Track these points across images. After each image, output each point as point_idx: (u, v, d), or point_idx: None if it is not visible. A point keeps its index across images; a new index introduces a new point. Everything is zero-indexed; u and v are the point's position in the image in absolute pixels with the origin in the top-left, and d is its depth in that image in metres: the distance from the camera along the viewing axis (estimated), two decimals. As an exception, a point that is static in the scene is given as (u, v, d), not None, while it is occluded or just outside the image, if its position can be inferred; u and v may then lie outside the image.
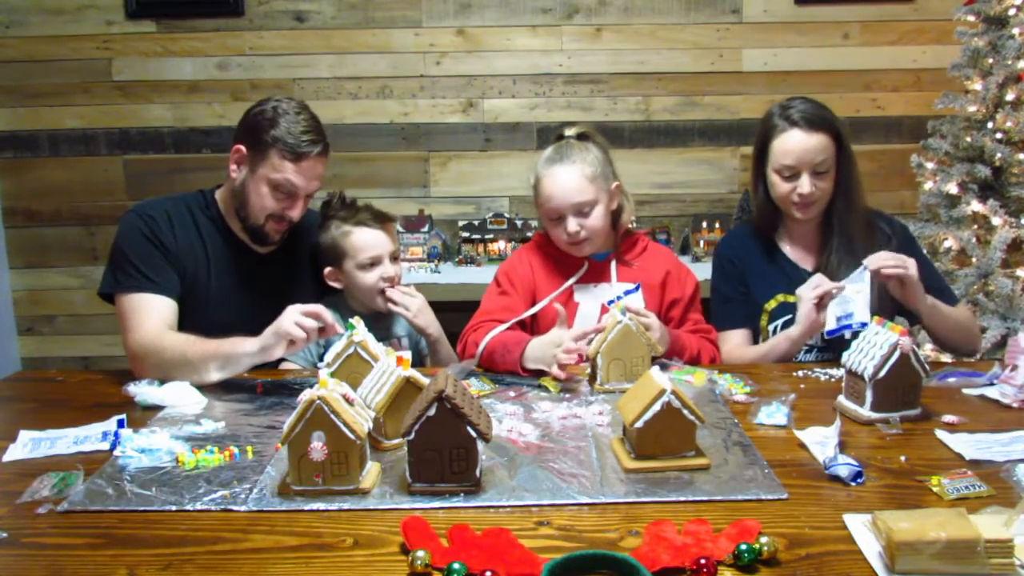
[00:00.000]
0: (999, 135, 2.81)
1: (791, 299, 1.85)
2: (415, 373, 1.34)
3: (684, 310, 1.94)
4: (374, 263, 1.89)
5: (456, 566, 0.94)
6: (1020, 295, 2.71)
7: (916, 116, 3.37)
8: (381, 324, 1.95)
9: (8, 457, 1.34)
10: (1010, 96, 2.78)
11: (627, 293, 1.71)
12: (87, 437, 1.40)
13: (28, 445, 1.38)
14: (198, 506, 1.15)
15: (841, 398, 1.50)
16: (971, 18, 2.95)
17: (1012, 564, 0.93)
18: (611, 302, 1.66)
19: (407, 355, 1.34)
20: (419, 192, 3.53)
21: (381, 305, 1.90)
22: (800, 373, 1.73)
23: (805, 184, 1.83)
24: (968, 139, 2.89)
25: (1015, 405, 1.49)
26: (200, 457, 1.29)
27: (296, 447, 1.16)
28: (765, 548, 0.97)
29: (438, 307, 1.97)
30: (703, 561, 0.95)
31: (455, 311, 2.18)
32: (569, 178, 1.82)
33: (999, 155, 2.79)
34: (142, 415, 1.53)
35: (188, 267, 1.83)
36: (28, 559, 1.03)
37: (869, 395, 1.42)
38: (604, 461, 1.27)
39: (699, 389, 1.61)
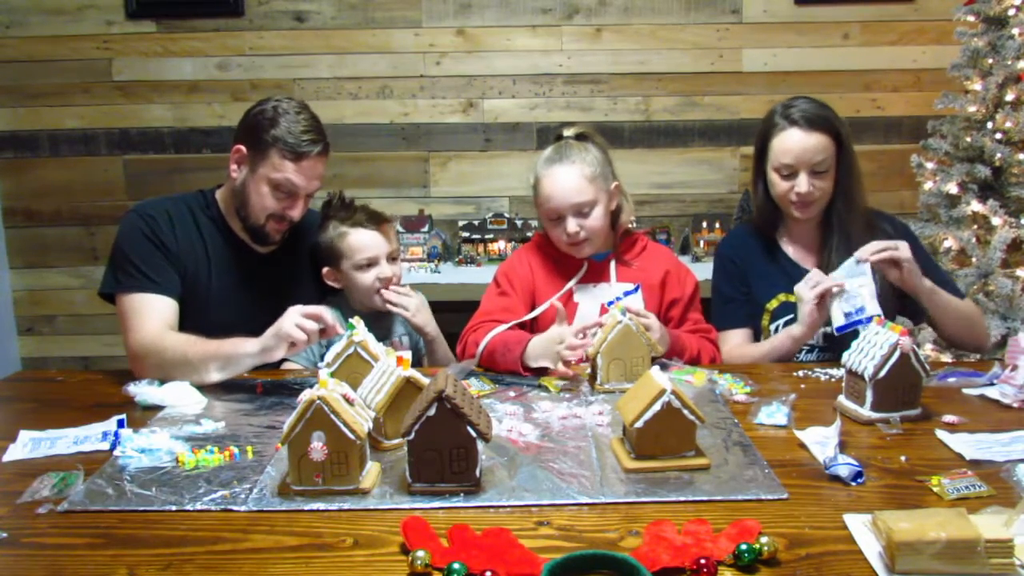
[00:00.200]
0: (999, 135, 2.81)
1: (792, 298, 1.85)
2: (415, 373, 1.34)
3: (684, 310, 1.94)
4: (370, 264, 1.90)
5: (456, 566, 0.94)
6: (1020, 295, 2.72)
7: (916, 116, 3.37)
8: (381, 324, 1.95)
9: (8, 457, 1.34)
10: (1010, 96, 2.79)
11: (627, 294, 1.71)
12: (87, 437, 1.40)
13: (28, 445, 1.38)
14: (198, 506, 1.15)
15: (841, 398, 1.50)
16: (971, 18, 2.95)
17: (1012, 564, 0.93)
18: (611, 303, 1.66)
19: (407, 355, 1.34)
20: (419, 192, 3.53)
21: (380, 304, 1.90)
22: (800, 373, 1.73)
23: (803, 183, 1.83)
24: (968, 139, 2.89)
25: (1015, 405, 1.49)
26: (200, 457, 1.29)
27: (296, 447, 1.16)
28: (765, 548, 0.97)
29: (438, 307, 1.98)
30: (703, 561, 0.95)
31: (455, 311, 2.18)
32: (568, 178, 1.82)
33: (999, 155, 2.80)
34: (142, 415, 1.53)
35: (189, 267, 1.83)
36: (28, 559, 1.03)
37: (869, 395, 1.42)
38: (604, 461, 1.27)
39: (699, 389, 1.61)
